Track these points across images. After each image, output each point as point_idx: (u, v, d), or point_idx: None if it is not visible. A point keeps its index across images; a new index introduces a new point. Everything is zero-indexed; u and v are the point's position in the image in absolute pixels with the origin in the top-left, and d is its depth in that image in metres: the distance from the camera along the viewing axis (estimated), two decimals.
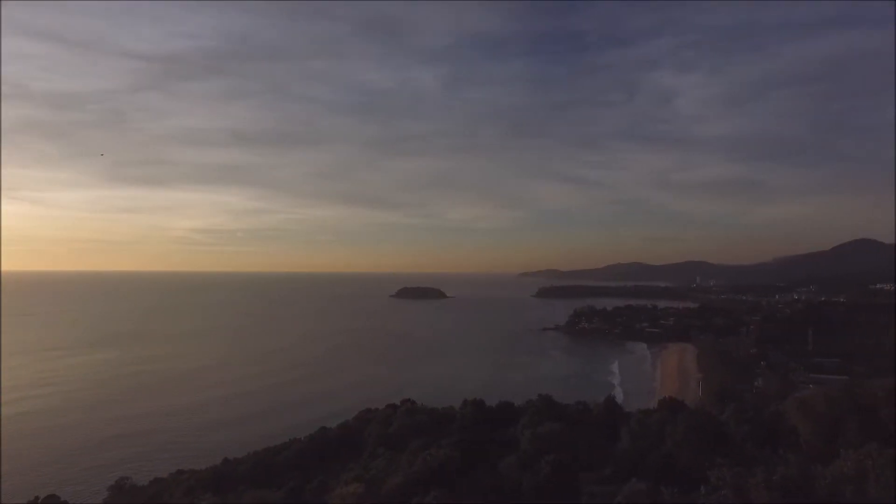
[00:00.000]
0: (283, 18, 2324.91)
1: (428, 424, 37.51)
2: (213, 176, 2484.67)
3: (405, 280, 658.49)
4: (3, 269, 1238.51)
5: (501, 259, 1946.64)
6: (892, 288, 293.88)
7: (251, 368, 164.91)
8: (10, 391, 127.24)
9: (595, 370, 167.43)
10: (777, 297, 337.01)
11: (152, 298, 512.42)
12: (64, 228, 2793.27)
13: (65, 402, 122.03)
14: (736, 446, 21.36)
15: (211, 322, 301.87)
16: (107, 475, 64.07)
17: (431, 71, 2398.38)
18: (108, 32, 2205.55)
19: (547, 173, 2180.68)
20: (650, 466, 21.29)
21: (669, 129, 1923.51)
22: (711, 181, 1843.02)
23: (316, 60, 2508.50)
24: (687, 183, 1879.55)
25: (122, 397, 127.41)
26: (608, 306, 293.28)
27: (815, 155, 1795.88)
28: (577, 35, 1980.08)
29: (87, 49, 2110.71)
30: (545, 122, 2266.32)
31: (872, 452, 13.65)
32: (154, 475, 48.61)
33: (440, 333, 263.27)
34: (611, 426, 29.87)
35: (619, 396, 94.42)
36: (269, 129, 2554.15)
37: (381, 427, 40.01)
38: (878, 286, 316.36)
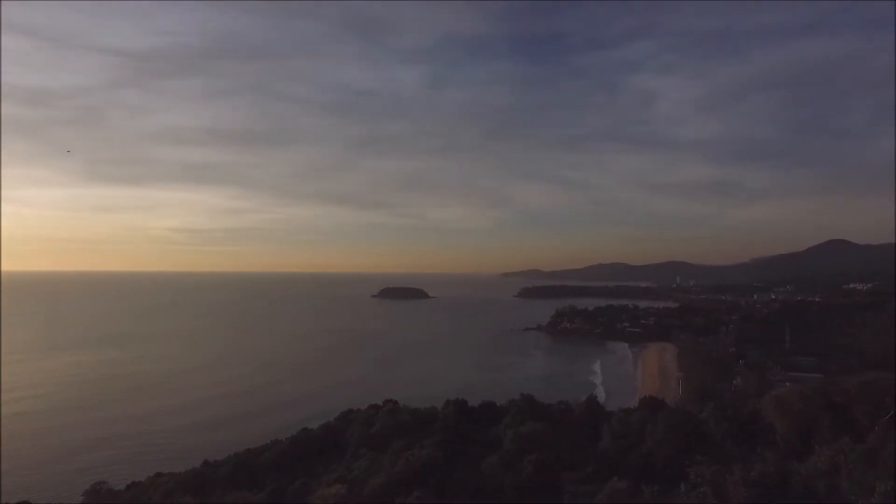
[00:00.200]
0: (264, 17, 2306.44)
1: (410, 425, 37.41)
2: (193, 175, 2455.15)
3: (387, 280, 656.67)
4: None
5: (484, 259, 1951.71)
6: (864, 288, 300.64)
7: (231, 370, 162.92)
8: None
9: (577, 370, 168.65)
10: (755, 296, 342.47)
11: (130, 299, 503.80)
12: (40, 228, 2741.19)
13: (39, 406, 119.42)
14: (715, 444, 21.66)
15: (190, 323, 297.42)
16: (82, 480, 62.85)
17: (413, 71, 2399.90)
18: (83, 27, 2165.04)
19: (529, 174, 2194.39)
20: (631, 465, 21.51)
21: (650, 130, 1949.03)
22: (691, 182, 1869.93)
23: (297, 59, 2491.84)
24: (667, 184, 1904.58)
25: (99, 401, 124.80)
26: (589, 306, 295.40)
27: (791, 157, 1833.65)
28: (560, 37, 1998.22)
29: (62, 44, 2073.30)
30: (527, 122, 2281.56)
31: (845, 448, 14.00)
32: (132, 479, 47.71)
33: (422, 334, 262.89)
34: (592, 425, 30.10)
35: (602, 396, 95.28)
36: (249, 128, 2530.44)
37: (364, 427, 39.82)
38: (851, 286, 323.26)
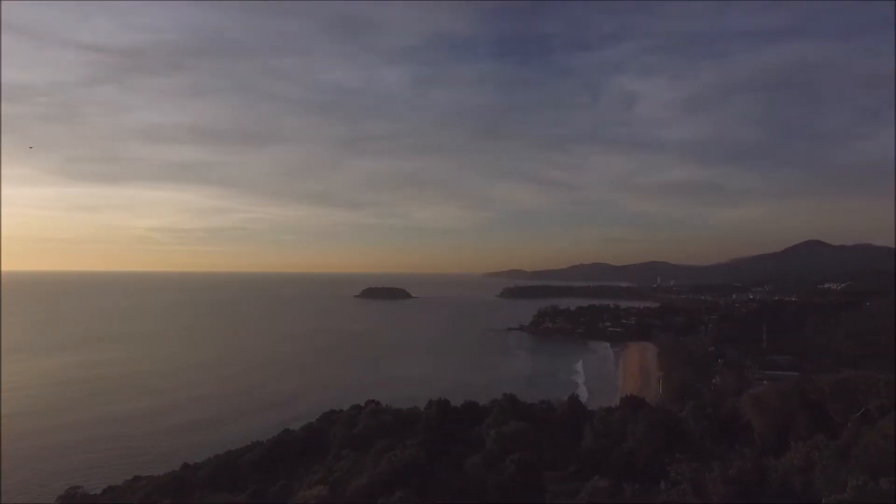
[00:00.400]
0: (248, 14, 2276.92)
1: (393, 425, 37.28)
2: (174, 174, 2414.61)
3: (370, 280, 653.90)
4: None
5: (466, 259, 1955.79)
6: (839, 287, 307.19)
7: (212, 371, 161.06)
8: None
9: (560, 369, 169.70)
10: (734, 296, 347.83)
11: (109, 299, 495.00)
12: (16, 226, 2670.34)
13: (13, 409, 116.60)
14: (695, 442, 21.95)
15: (170, 324, 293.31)
16: (57, 484, 61.62)
17: (398, 70, 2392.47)
18: (61, 22, 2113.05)
19: (512, 174, 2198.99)
20: (612, 463, 21.69)
21: (632, 132, 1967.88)
22: (672, 183, 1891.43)
23: (281, 58, 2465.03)
24: (649, 185, 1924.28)
25: (76, 403, 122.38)
26: (571, 306, 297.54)
27: (769, 159, 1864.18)
28: (543, 38, 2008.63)
29: (39, 39, 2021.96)
30: (511, 123, 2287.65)
31: (819, 444, 14.33)
32: (108, 483, 46.86)
33: (405, 334, 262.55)
34: (574, 425, 30.29)
35: (584, 395, 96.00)
36: (232, 127, 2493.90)
37: (346, 428, 39.58)
38: (826, 286, 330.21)
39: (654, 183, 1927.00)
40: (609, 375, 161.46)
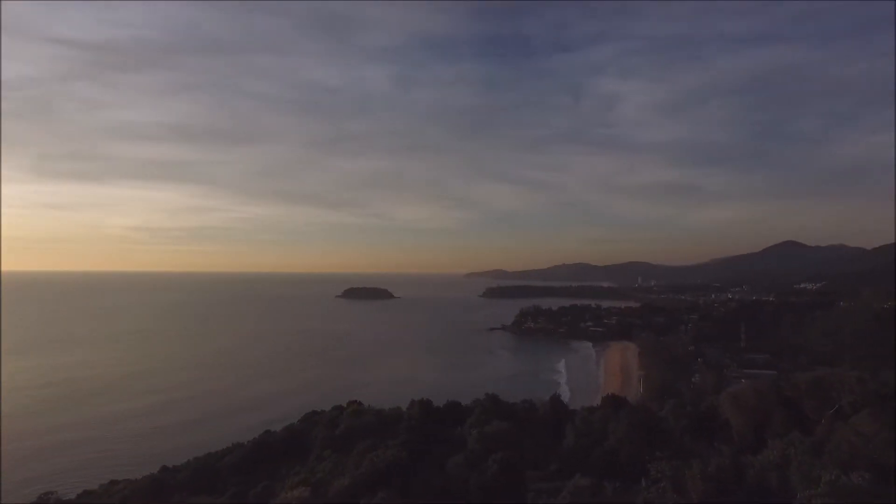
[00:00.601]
0: (228, 12, 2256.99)
1: (375, 425, 37.13)
2: (151, 172, 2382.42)
3: (351, 280, 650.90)
4: None
5: (448, 259, 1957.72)
6: (814, 287, 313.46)
7: (190, 373, 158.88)
8: None
9: (542, 369, 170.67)
10: (713, 296, 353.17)
11: (85, 300, 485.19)
12: None
13: None
14: (674, 440, 22.20)
15: (147, 324, 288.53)
16: (29, 490, 60.27)
17: (380, 70, 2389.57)
18: (32, 15, 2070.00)
19: (494, 174, 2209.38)
20: (594, 462, 21.84)
21: (613, 133, 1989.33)
22: (653, 185, 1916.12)
23: (261, 56, 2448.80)
24: (629, 186, 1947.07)
25: (49, 407, 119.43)
26: (553, 306, 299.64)
27: (747, 161, 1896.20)
28: (525, 39, 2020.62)
29: (8, 32, 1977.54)
30: (493, 123, 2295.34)
31: (795, 441, 14.62)
32: (83, 487, 45.94)
33: (387, 334, 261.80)
34: (556, 424, 30.44)
35: (566, 394, 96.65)
36: (211, 125, 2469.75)
37: (328, 429, 39.32)
38: (802, 286, 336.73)
39: (635, 184, 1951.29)
40: (591, 375, 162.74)
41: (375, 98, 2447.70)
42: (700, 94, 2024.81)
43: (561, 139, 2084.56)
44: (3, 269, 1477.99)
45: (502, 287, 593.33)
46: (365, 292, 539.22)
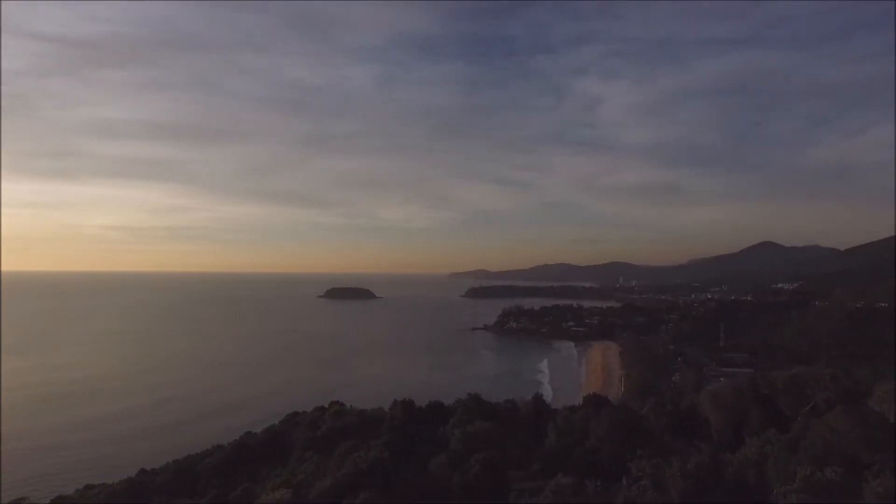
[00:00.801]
0: (209, 9, 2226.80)
1: (357, 426, 36.92)
2: (131, 170, 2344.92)
3: (333, 280, 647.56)
4: None
5: (431, 259, 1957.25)
6: (790, 287, 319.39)
7: (169, 375, 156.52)
8: None
9: (524, 368, 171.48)
10: (693, 296, 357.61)
11: (61, 300, 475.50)
12: None
13: None
14: (655, 438, 22.42)
15: (126, 325, 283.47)
16: (2, 496, 58.87)
17: (362, 69, 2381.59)
18: (6, 8, 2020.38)
19: (477, 175, 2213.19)
20: (575, 461, 21.96)
21: (595, 134, 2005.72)
22: (634, 185, 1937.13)
23: (242, 54, 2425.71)
24: (611, 187, 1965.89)
25: (21, 411, 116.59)
26: (535, 306, 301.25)
27: (726, 163, 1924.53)
28: (508, 40, 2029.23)
29: None
30: (476, 123, 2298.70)
31: (772, 438, 14.89)
32: (57, 493, 44.98)
33: (369, 334, 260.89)
34: (539, 423, 30.55)
35: (549, 394, 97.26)
36: (192, 123, 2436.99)
37: (309, 430, 39.01)
38: (779, 286, 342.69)
39: (617, 184, 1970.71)
40: (573, 374, 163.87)
41: (358, 97, 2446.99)
42: (681, 95, 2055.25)
43: (544, 140, 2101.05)
44: None
45: (485, 287, 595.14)
46: (347, 292, 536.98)
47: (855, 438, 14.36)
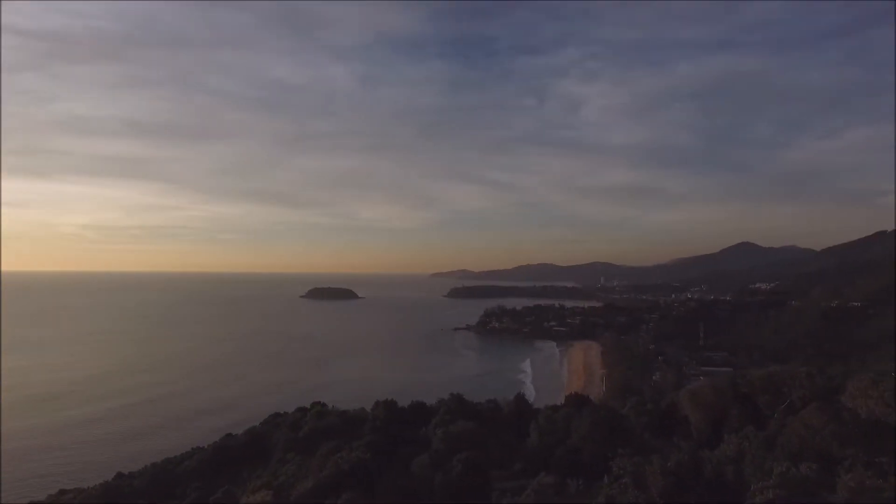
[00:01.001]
0: (188, 4, 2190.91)
1: (339, 427, 36.78)
2: (106, 168, 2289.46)
3: (315, 280, 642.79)
4: None
5: (413, 259, 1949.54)
6: (768, 287, 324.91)
7: (147, 376, 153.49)
8: None
9: (507, 368, 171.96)
10: (673, 296, 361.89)
11: (34, 301, 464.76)
12: None
13: None
14: (636, 437, 22.67)
15: (101, 326, 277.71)
16: None
17: (344, 68, 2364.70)
18: None
19: (458, 175, 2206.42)
20: (558, 460, 22.12)
21: (576, 135, 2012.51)
22: (615, 186, 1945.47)
23: (222, 51, 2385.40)
24: (593, 187, 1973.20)
25: None
26: (517, 306, 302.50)
27: (706, 164, 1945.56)
28: (489, 40, 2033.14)
29: None
30: (457, 123, 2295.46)
31: (749, 435, 15.15)
32: (30, 498, 43.98)
33: (352, 335, 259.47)
34: (521, 423, 30.72)
35: (531, 393, 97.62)
36: (170, 121, 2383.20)
37: (291, 431, 38.73)
38: (757, 286, 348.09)
39: (598, 185, 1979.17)
40: (555, 374, 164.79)
41: (340, 97, 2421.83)
42: (661, 97, 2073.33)
43: (525, 140, 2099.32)
44: None
45: (467, 287, 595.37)
46: (329, 292, 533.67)
47: (828, 434, 14.68)
